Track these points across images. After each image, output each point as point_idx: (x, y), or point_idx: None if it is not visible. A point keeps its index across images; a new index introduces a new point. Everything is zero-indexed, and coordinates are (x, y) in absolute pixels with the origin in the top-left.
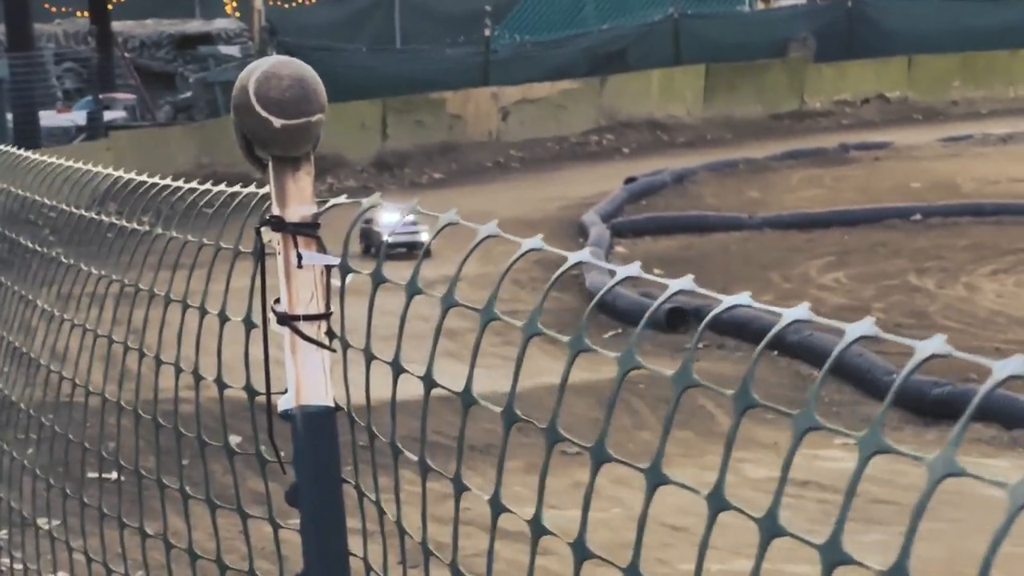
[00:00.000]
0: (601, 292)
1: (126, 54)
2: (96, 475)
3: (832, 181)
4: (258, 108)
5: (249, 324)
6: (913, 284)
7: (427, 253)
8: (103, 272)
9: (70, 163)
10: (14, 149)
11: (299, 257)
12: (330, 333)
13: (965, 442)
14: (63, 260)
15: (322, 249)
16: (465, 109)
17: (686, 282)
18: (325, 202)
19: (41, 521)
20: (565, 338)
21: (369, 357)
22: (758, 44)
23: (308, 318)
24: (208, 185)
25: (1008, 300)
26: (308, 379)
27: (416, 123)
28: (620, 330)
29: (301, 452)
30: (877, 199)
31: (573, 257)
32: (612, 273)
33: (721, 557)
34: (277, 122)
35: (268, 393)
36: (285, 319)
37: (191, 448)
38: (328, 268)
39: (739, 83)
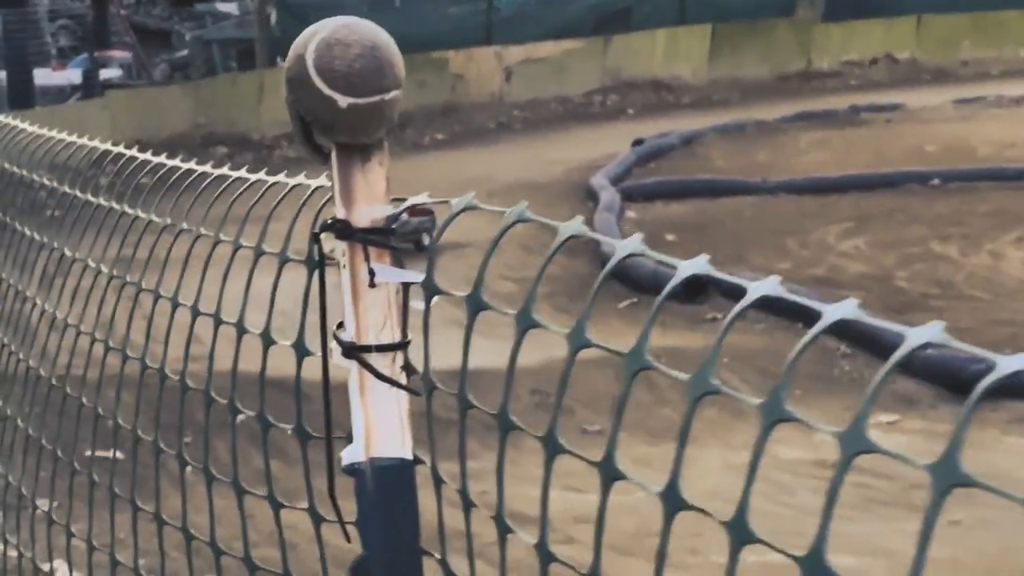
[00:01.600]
0: (605, 270)
1: (122, 11)
2: (97, 454)
3: (843, 144)
4: (319, 84)
5: (302, 351)
6: (936, 252)
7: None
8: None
9: (66, 137)
10: (6, 118)
11: (371, 273)
12: (407, 368)
13: (1002, 422)
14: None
15: (398, 262)
16: (468, 69)
17: (700, 263)
18: (401, 200)
19: (40, 503)
20: (565, 330)
21: (430, 388)
22: (765, 3)
23: (381, 349)
24: (261, 175)
25: None
26: (380, 425)
27: (418, 83)
28: (636, 299)
29: (371, 516)
30: (891, 163)
31: (564, 229)
32: (619, 256)
33: (759, 549)
34: (343, 101)
35: (328, 437)
36: (352, 351)
37: (193, 425)
38: (406, 287)
39: (745, 43)
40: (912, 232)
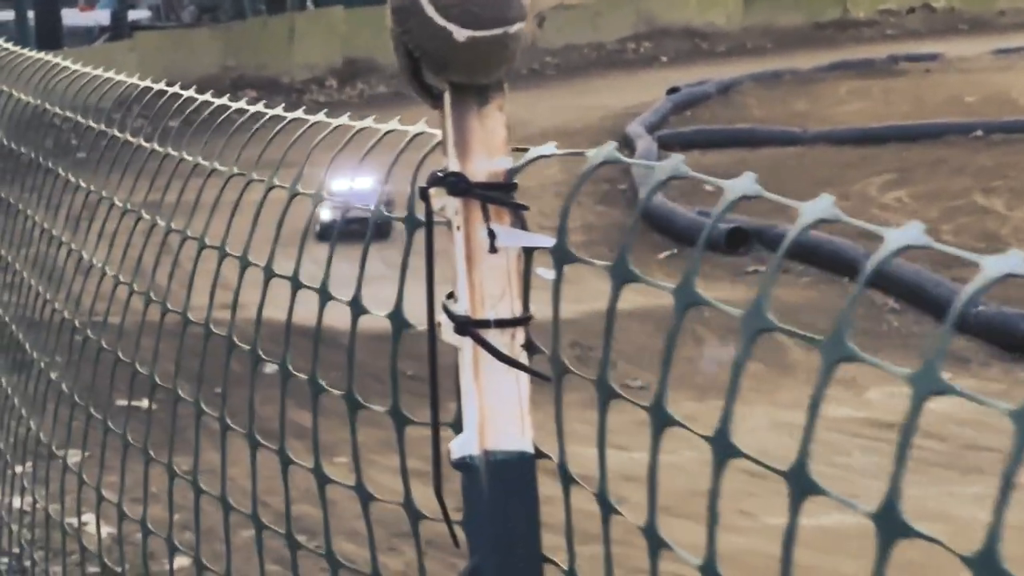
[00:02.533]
0: (648, 192)
1: None
2: (127, 403)
3: (881, 94)
4: (432, 13)
5: (400, 322)
6: (980, 205)
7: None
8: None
9: (92, 70)
10: (34, 52)
11: (491, 236)
12: (529, 346)
13: None
14: (68, 178)
15: (520, 223)
16: None
17: (748, 183)
18: (523, 151)
19: (73, 454)
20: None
21: (560, 371)
22: None
23: (501, 324)
24: (344, 119)
25: None
26: (497, 413)
27: None
28: (675, 250)
29: (484, 517)
30: (931, 113)
31: (597, 154)
32: (658, 178)
33: (812, 510)
34: (460, 34)
35: (435, 424)
36: (466, 327)
37: (232, 377)
38: (528, 252)
39: None
40: (956, 184)
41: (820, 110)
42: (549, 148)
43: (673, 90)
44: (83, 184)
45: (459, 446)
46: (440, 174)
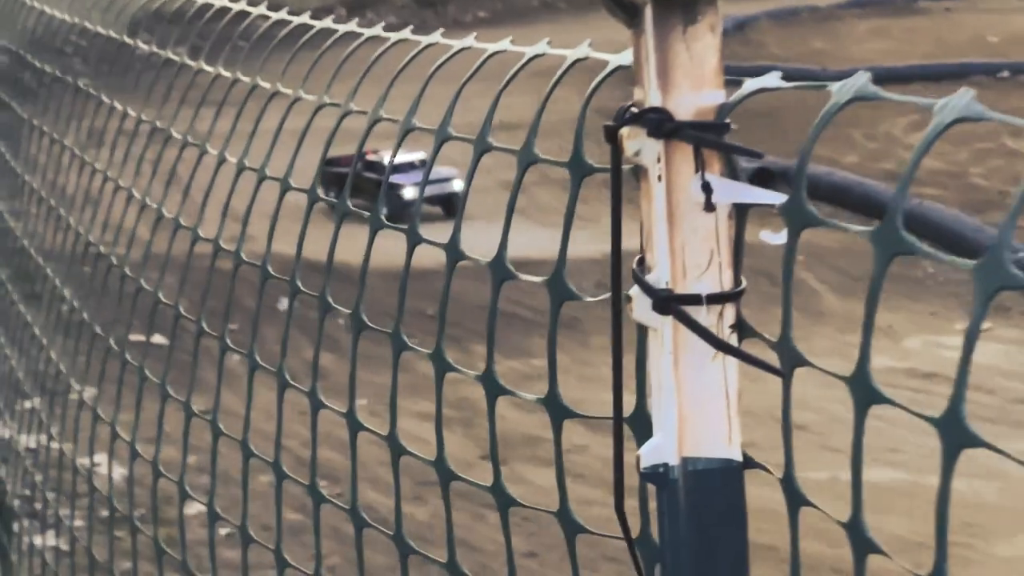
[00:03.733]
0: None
1: None
2: (140, 338)
3: (902, 33)
4: None
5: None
6: (1010, 147)
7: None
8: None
9: None
10: None
11: (706, 189)
12: (739, 327)
13: None
14: (92, 92)
15: (734, 173)
16: None
17: (772, 79)
18: (737, 84)
19: (89, 391)
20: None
21: (792, 363)
22: None
23: (713, 300)
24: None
25: None
26: (699, 411)
27: None
28: None
29: (682, 539)
30: (954, 53)
31: (616, 59)
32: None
33: (847, 466)
34: None
35: (618, 421)
36: (669, 302)
37: (242, 312)
38: (741, 210)
39: None
40: (983, 126)
41: (840, 49)
42: (772, 78)
43: None
44: (131, 112)
45: (651, 453)
46: (634, 110)
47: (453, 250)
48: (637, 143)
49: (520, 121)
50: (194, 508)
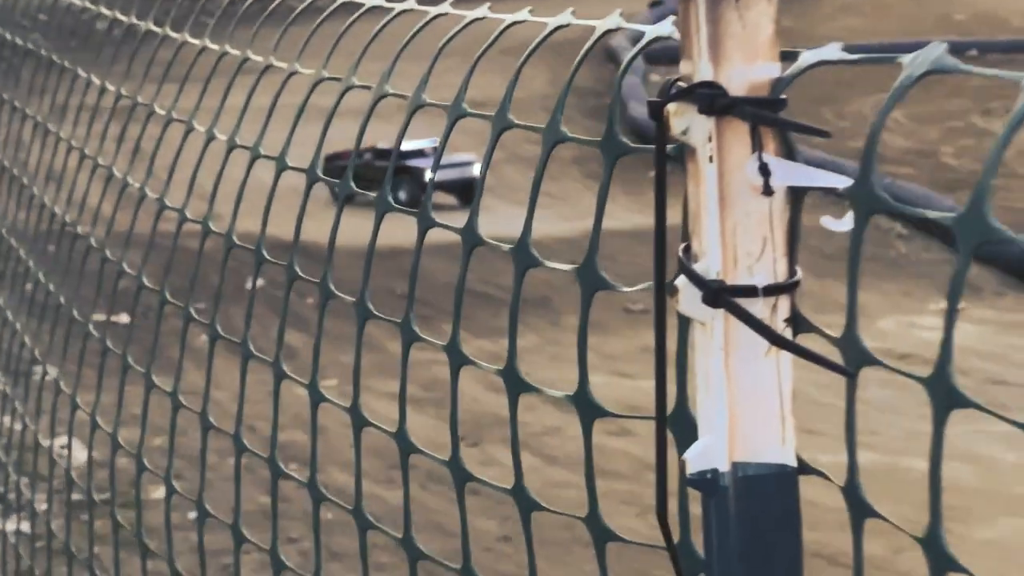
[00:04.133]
0: (634, 51)
1: None
2: (103, 318)
3: (872, 10)
4: None
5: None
6: (980, 127)
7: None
8: (99, 81)
9: None
10: None
11: (764, 170)
12: (795, 321)
13: None
14: (56, 61)
15: (790, 154)
16: None
17: (832, 50)
18: (795, 54)
19: (50, 370)
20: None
21: (859, 361)
22: None
23: (769, 292)
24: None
25: None
26: (751, 412)
27: None
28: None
29: (733, 550)
30: (923, 32)
31: (602, 25)
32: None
33: (829, 446)
34: None
35: (660, 418)
36: (720, 294)
37: (208, 289)
38: (798, 194)
39: None
40: (953, 105)
41: (809, 27)
42: (832, 49)
43: (655, 3)
44: (110, 87)
45: (698, 457)
46: (682, 84)
47: (470, 234)
48: (685, 120)
49: (487, 99)
50: (160, 491)
